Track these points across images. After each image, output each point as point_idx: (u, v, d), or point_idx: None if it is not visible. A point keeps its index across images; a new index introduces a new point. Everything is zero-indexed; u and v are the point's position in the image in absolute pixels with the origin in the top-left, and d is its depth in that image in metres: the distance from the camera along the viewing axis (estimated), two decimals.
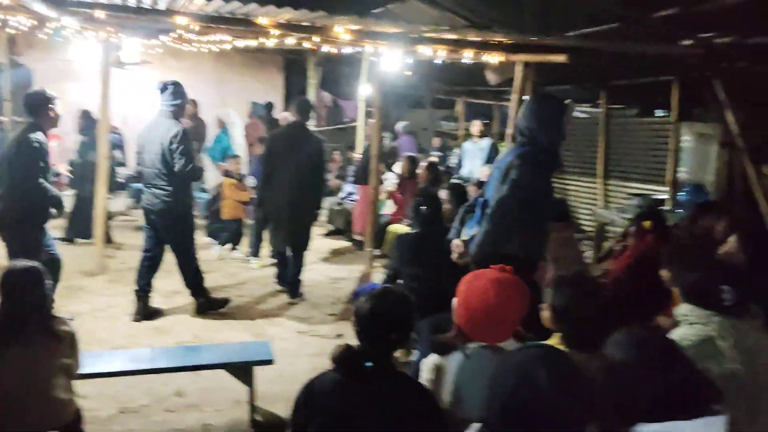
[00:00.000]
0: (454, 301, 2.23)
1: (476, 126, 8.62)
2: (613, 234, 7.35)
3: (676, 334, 2.31)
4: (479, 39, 4.60)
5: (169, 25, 4.80)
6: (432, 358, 2.23)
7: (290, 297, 5.92)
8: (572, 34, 5.17)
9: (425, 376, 2.22)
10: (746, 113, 6.10)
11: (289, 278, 5.96)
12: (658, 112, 8.68)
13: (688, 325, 2.29)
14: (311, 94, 10.24)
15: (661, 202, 6.68)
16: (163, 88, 5.07)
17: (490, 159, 8.46)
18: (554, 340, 2.41)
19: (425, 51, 4.61)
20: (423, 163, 7.30)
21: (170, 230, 5.17)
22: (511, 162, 3.44)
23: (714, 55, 5.29)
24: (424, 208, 4.18)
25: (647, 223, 4.31)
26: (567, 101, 3.54)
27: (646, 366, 1.60)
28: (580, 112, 11.11)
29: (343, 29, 4.33)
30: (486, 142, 8.50)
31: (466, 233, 3.63)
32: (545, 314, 2.44)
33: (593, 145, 8.52)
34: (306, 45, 5.70)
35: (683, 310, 2.35)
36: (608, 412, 1.69)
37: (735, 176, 6.16)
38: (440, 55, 4.70)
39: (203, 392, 4.05)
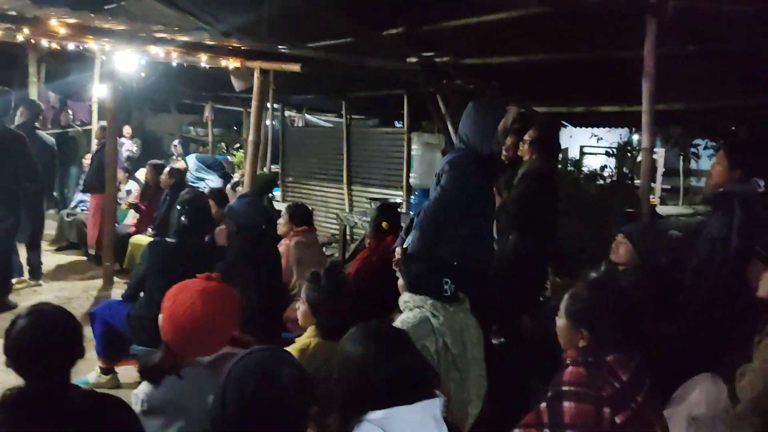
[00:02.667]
0: (160, 317, 2.07)
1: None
2: (357, 236, 7.78)
3: (399, 319, 2.56)
4: (213, 43, 4.51)
5: None
6: (142, 388, 2.04)
7: (35, 279, 6.16)
8: (310, 46, 5.35)
9: (137, 409, 2.00)
10: None
11: (33, 262, 6.21)
12: (399, 124, 9.41)
13: (408, 310, 2.61)
14: (33, 93, 9.10)
15: (398, 205, 7.23)
16: None
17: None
18: (309, 333, 2.47)
19: (158, 52, 4.36)
20: (166, 169, 6.91)
21: None
22: (442, 168, 3.29)
23: (435, 73, 5.90)
24: (184, 218, 3.91)
25: (385, 225, 4.63)
26: (508, 107, 3.45)
27: (380, 356, 1.70)
28: (325, 121, 11.61)
29: (58, 22, 3.89)
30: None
31: (408, 240, 3.41)
32: (301, 310, 2.53)
33: (339, 153, 8.92)
34: (20, 38, 5.01)
35: (405, 297, 2.66)
36: (345, 401, 1.76)
37: None
38: (174, 57, 4.50)
39: None
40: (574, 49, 4.97)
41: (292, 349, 2.38)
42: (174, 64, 5.30)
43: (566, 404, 1.86)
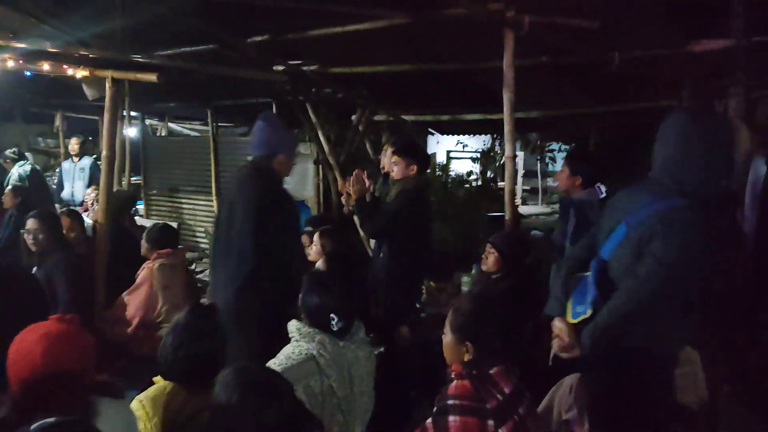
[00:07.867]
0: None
1: (73, 144, 7.96)
2: None
3: (284, 353, 2.37)
4: (56, 51, 4.12)
5: None
6: None
7: None
8: (169, 53, 5.06)
9: None
10: (335, 133, 6.91)
11: None
12: None
13: (295, 342, 2.40)
14: None
15: None
16: None
17: (93, 179, 7.83)
18: (161, 384, 2.21)
19: None
20: (8, 188, 6.25)
21: None
22: (652, 226, 2.19)
23: (303, 81, 5.82)
24: None
25: None
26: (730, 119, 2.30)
27: (257, 405, 1.60)
28: (190, 129, 11.13)
29: None
30: (87, 161, 7.86)
31: (575, 312, 2.39)
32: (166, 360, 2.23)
33: (206, 163, 8.57)
34: None
35: (294, 326, 2.43)
36: None
37: (330, 191, 6.92)
38: (12, 65, 4.05)
39: None
40: (438, 60, 5.10)
41: (147, 392, 2.11)
42: (13, 72, 4.79)
43: (451, 418, 1.91)
